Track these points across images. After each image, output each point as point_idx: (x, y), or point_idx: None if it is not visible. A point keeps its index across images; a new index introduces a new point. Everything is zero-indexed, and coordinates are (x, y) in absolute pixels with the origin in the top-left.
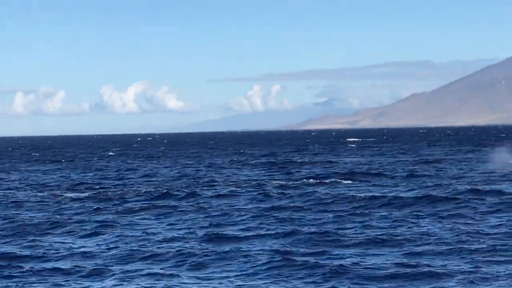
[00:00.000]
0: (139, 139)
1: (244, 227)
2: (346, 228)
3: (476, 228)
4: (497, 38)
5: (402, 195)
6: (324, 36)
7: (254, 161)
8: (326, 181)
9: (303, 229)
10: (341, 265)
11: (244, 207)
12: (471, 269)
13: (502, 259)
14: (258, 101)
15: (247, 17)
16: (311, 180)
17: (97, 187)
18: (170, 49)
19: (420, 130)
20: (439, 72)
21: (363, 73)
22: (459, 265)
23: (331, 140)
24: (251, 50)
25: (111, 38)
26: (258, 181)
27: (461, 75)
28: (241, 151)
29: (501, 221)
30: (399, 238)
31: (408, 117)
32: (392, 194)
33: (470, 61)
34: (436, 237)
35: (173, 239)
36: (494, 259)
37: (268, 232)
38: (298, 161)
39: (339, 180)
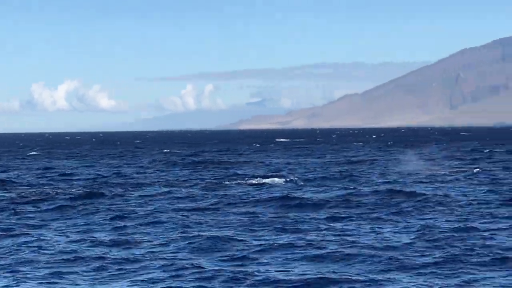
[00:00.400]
0: (67, 137)
1: (150, 230)
2: (252, 232)
3: (391, 231)
4: (429, 40)
5: (320, 196)
6: (257, 36)
7: (180, 160)
8: (250, 181)
9: (204, 234)
10: (232, 271)
11: (157, 208)
12: (367, 277)
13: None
14: (191, 101)
15: (180, 16)
16: (234, 180)
17: (8, 187)
18: (102, 48)
19: (350, 131)
20: (371, 73)
21: (295, 73)
22: (361, 272)
23: (262, 140)
24: (184, 48)
25: (43, 36)
26: (178, 181)
27: (393, 76)
28: (167, 150)
29: (411, 225)
30: (309, 241)
31: (341, 118)
32: (308, 196)
33: (401, 63)
34: (349, 241)
35: (74, 242)
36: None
37: (170, 237)
38: (225, 160)
39: (262, 180)
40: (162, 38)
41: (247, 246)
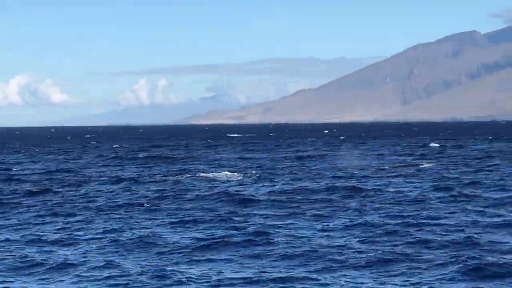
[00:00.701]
0: (17, 132)
1: (87, 227)
2: (192, 228)
3: (335, 228)
4: (382, 36)
5: (267, 191)
6: (211, 32)
7: (129, 155)
8: (198, 176)
9: (141, 231)
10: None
11: (98, 205)
12: (307, 275)
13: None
14: (144, 95)
15: (134, 10)
16: (182, 175)
17: None
18: (54, 42)
19: (304, 126)
20: (325, 69)
21: (249, 68)
22: (302, 270)
23: (215, 135)
24: (138, 43)
25: None
26: (125, 176)
27: (346, 71)
28: (117, 145)
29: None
30: (251, 237)
31: (295, 112)
32: (254, 191)
33: (355, 58)
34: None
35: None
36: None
37: (104, 235)
38: (175, 156)
39: (210, 175)
40: (116, 32)
41: (184, 243)
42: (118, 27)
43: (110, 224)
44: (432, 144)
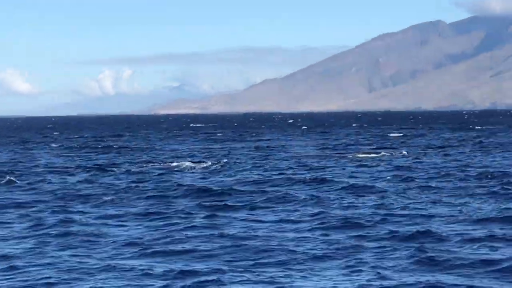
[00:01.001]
0: None
1: (21, 221)
2: (132, 222)
3: (292, 219)
4: (347, 25)
5: (222, 181)
6: (175, 21)
7: (90, 145)
8: (158, 166)
9: (80, 228)
10: None
11: (40, 197)
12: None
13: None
14: (108, 85)
15: (97, 1)
16: (142, 166)
17: None
18: (17, 31)
19: (268, 116)
20: (290, 58)
21: (214, 58)
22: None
23: (178, 125)
24: (101, 32)
25: None
26: (79, 167)
27: (313, 61)
28: (77, 136)
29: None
30: (201, 231)
31: (261, 102)
32: (211, 182)
33: (321, 47)
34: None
35: None
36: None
37: (38, 229)
38: (134, 146)
39: (170, 165)
40: (80, 21)
41: (138, 235)
42: (82, 16)
43: (63, 216)
44: (394, 134)
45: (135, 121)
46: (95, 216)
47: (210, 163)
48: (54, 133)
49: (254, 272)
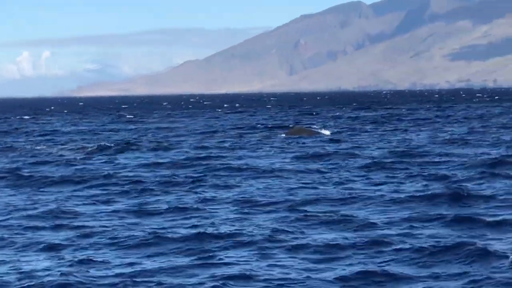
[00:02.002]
0: None
1: None
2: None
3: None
4: (269, 7)
5: (129, 165)
6: (94, 2)
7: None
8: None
9: None
10: None
11: None
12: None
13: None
14: (28, 68)
15: None
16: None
17: None
18: None
19: (186, 97)
20: (211, 40)
21: (135, 39)
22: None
23: (95, 107)
24: (19, 14)
25: None
26: None
27: (233, 42)
28: None
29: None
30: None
31: (182, 84)
32: (85, 167)
33: (241, 29)
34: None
35: None
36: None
37: None
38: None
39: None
40: None
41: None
42: None
43: None
44: (308, 113)
45: (54, 103)
46: None
47: (85, 147)
48: None
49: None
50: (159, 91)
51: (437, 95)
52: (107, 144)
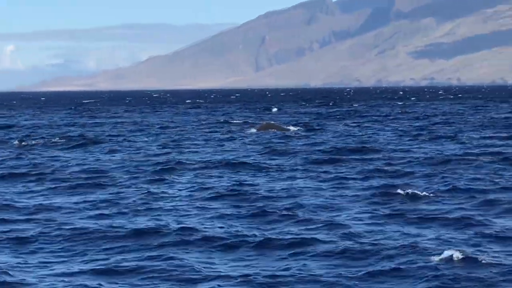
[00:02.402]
0: None
1: None
2: None
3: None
4: (236, 3)
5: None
6: None
7: None
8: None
9: None
10: None
11: None
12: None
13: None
14: None
15: None
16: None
17: None
18: None
19: (149, 93)
20: (178, 35)
21: (99, 34)
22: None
23: (58, 102)
24: None
25: None
26: None
27: (199, 38)
28: None
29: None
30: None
31: (146, 79)
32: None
33: (208, 25)
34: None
35: None
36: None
37: None
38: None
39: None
40: None
41: None
42: None
43: None
44: (274, 109)
45: (14, 97)
46: None
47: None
48: None
49: None
50: (123, 87)
51: (401, 92)
52: (57, 139)
